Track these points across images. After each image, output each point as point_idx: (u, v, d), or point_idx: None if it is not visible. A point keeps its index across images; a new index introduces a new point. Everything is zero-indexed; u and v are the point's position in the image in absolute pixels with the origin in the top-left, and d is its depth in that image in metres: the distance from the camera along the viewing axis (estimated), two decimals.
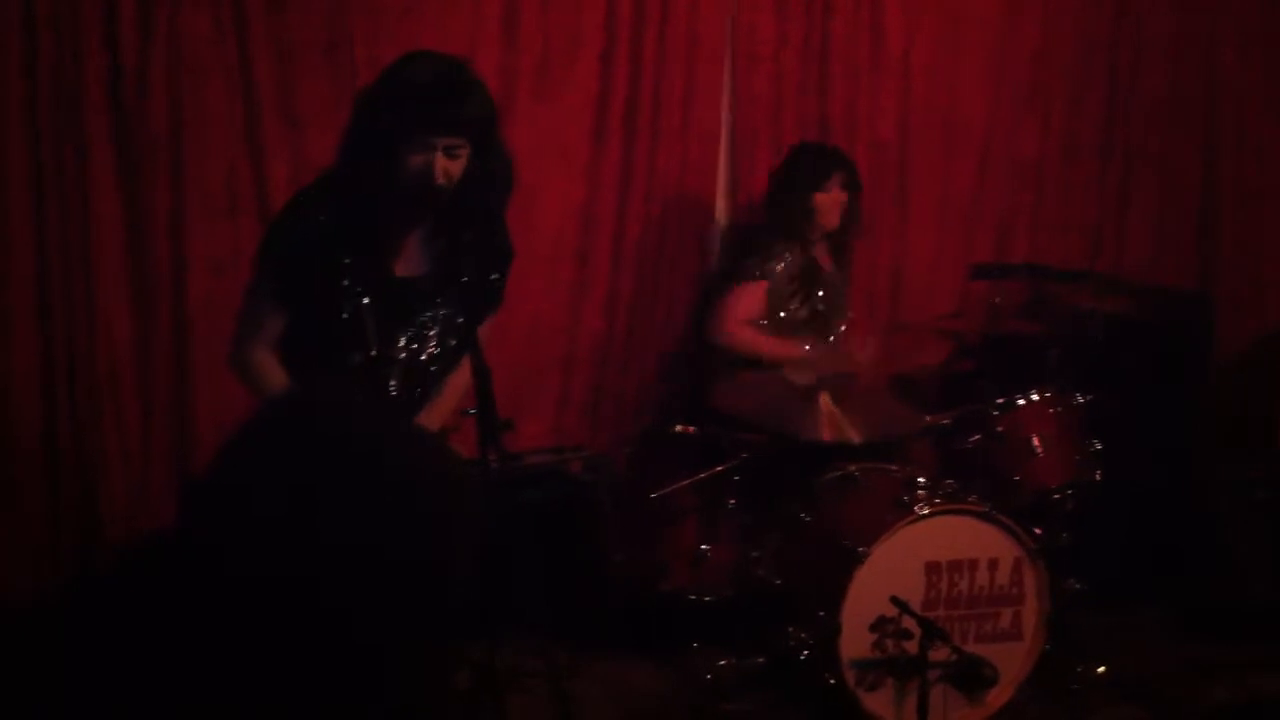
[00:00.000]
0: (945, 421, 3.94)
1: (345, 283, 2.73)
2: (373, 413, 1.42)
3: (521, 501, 3.89)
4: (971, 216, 5.12)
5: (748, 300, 4.20)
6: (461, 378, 2.94)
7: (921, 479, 3.64)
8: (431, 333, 2.86)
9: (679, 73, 4.57)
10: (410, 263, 2.81)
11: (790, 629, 3.59)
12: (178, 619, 1.23)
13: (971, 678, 3.40)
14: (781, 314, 4.21)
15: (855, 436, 3.75)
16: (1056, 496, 3.85)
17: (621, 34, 4.47)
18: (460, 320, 2.85)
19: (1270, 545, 4.39)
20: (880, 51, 4.88)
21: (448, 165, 2.66)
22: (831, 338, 4.27)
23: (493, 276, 2.94)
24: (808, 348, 4.11)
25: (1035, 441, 3.86)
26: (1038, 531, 3.62)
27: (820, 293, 4.26)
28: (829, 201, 4.20)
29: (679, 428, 3.98)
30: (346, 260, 2.73)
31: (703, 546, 3.78)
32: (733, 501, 3.83)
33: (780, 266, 4.20)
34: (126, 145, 3.84)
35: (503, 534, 3.15)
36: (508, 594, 3.29)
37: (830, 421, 3.77)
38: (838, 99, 4.82)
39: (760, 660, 3.73)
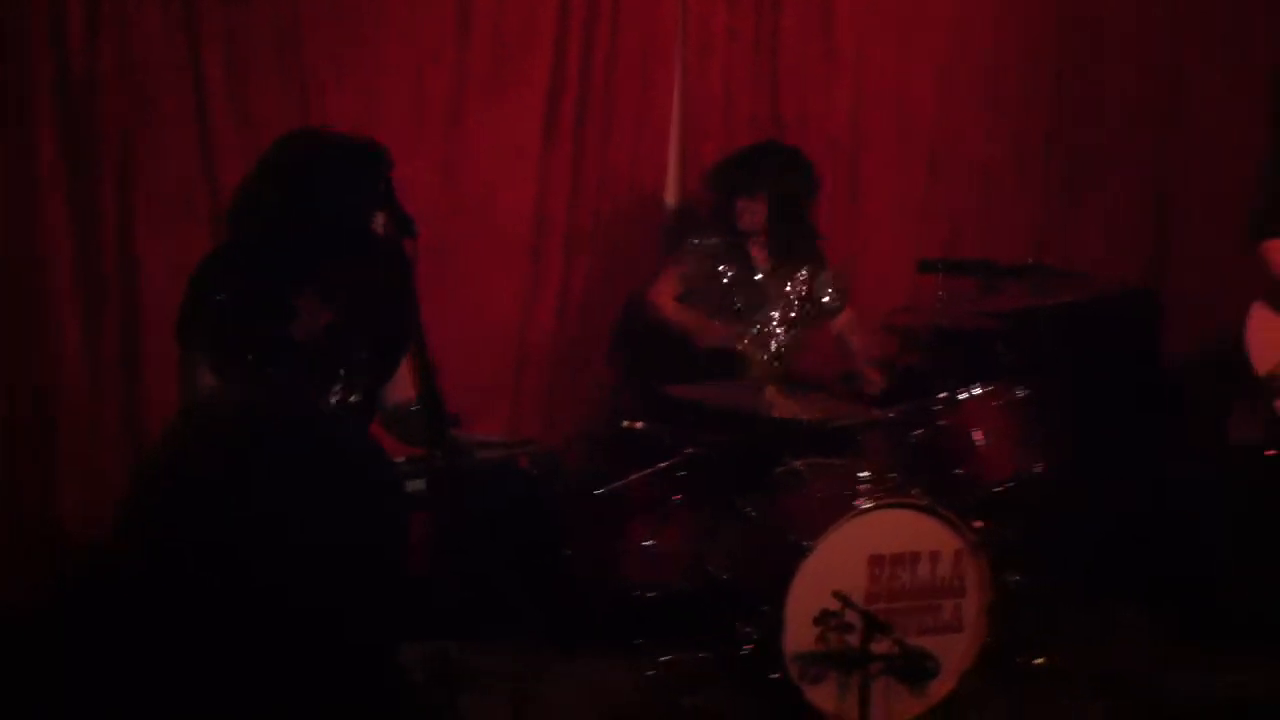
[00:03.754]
0: (891, 415, 3.99)
1: (244, 346, 2.81)
2: (291, 405, 1.44)
3: (471, 496, 3.90)
4: (923, 213, 5.16)
5: (668, 278, 4.43)
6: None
7: (865, 473, 3.68)
8: (334, 387, 2.94)
9: (631, 68, 4.61)
10: (310, 323, 2.90)
11: (736, 623, 3.63)
12: (136, 619, 1.25)
13: (914, 669, 3.42)
14: (690, 300, 4.37)
15: (803, 415, 3.89)
16: (999, 490, 3.90)
17: (574, 29, 4.49)
18: (360, 370, 2.95)
19: (1239, 546, 4.40)
20: (831, 48, 4.91)
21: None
22: (747, 338, 4.33)
23: (387, 317, 2.98)
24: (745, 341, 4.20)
25: (978, 435, 3.90)
26: (978, 524, 3.67)
27: (734, 288, 4.37)
28: (744, 207, 4.32)
29: (626, 423, 4.02)
30: (244, 326, 2.82)
31: (650, 541, 3.81)
32: (679, 497, 3.87)
33: (696, 252, 4.40)
34: (74, 145, 3.84)
35: (456, 530, 3.17)
36: (463, 591, 3.32)
37: (778, 406, 3.92)
38: (789, 95, 4.86)
39: (704, 655, 3.77)
